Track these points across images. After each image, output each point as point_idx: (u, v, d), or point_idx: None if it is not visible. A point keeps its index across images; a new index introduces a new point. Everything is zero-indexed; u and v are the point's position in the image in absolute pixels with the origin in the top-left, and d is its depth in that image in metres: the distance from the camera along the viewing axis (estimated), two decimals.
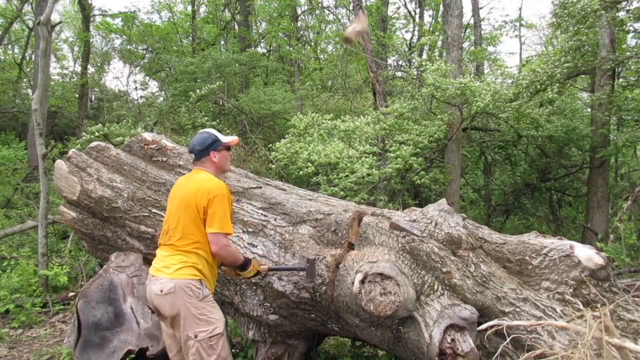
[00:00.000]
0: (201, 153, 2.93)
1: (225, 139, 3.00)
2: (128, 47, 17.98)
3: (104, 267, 4.12)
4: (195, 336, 2.70)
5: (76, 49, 20.73)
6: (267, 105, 11.82)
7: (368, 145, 7.57)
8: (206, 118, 9.23)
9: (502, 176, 11.24)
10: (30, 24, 15.93)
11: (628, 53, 8.07)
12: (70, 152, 4.43)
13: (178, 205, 2.83)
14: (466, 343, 2.69)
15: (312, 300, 3.20)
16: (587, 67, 8.04)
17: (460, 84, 7.23)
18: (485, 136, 10.35)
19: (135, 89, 24.18)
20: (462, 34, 10.11)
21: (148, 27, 17.05)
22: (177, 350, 2.90)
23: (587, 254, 2.96)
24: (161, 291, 2.71)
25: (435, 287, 2.90)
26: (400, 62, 15.50)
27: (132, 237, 4.11)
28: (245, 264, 2.94)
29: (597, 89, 8.20)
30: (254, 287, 3.39)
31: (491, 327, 2.67)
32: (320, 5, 16.71)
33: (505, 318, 2.85)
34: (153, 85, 19.70)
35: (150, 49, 17.30)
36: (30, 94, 15.24)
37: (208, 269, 2.84)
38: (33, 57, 15.03)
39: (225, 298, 3.55)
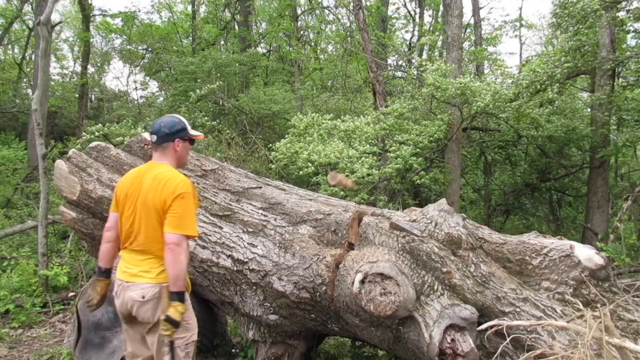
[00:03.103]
0: (167, 137, 2.64)
1: (192, 131, 2.76)
2: (128, 47, 18.00)
3: None
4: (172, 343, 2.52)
5: (76, 49, 20.74)
6: (267, 105, 11.83)
7: (368, 145, 7.57)
8: (206, 118, 9.23)
9: (502, 176, 11.23)
10: (30, 24, 15.93)
11: (628, 53, 8.06)
12: (70, 152, 4.42)
13: (141, 206, 2.56)
14: (466, 343, 2.69)
15: (312, 300, 3.20)
16: (587, 67, 8.03)
17: (460, 84, 7.22)
18: (485, 136, 10.35)
19: (135, 89, 24.21)
20: (462, 34, 10.11)
21: (148, 27, 17.06)
22: (145, 357, 2.68)
23: (587, 254, 2.97)
24: (143, 297, 2.50)
25: (435, 287, 2.90)
26: (400, 62, 15.51)
27: None
28: (184, 294, 2.50)
29: (597, 89, 8.19)
30: (254, 287, 3.39)
31: (491, 327, 2.67)
32: (320, 5, 16.71)
33: (505, 318, 2.85)
34: (153, 85, 19.74)
35: (150, 49, 17.32)
36: (30, 94, 15.24)
37: (186, 271, 2.62)
38: (33, 57, 15.04)
39: (225, 298, 3.55)
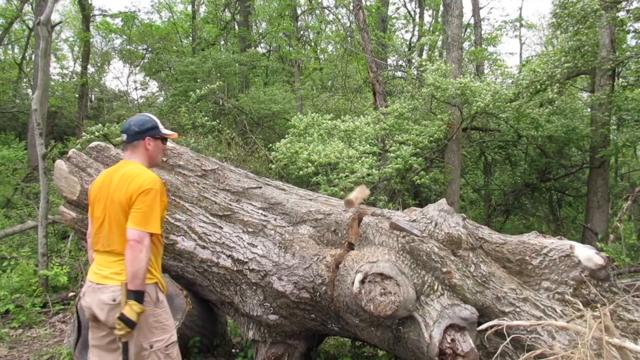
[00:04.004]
0: (137, 136, 2.60)
1: (164, 129, 2.72)
2: (128, 47, 18.02)
3: None
4: (151, 347, 2.46)
5: (76, 49, 20.76)
6: (267, 105, 11.84)
7: (368, 145, 7.58)
8: (206, 118, 9.23)
9: (502, 176, 11.24)
10: (30, 24, 15.94)
11: (628, 53, 8.07)
12: (70, 152, 4.42)
13: (109, 206, 2.50)
14: (466, 343, 2.69)
15: (312, 300, 3.20)
16: (587, 67, 8.03)
17: (461, 84, 7.23)
18: (485, 136, 10.36)
19: (135, 89, 24.22)
20: (462, 34, 10.11)
21: (148, 27, 17.09)
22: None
23: (587, 254, 2.97)
24: (114, 300, 2.39)
25: (435, 287, 2.90)
26: (400, 62, 15.53)
27: None
28: (142, 294, 2.39)
29: (597, 89, 8.20)
30: (254, 287, 3.39)
31: (491, 327, 2.67)
32: (320, 5, 16.71)
33: (505, 318, 2.85)
34: (153, 85, 19.77)
35: (150, 49, 17.34)
36: (30, 94, 15.25)
37: (159, 271, 2.60)
38: (33, 57, 15.05)
39: (225, 298, 3.55)
